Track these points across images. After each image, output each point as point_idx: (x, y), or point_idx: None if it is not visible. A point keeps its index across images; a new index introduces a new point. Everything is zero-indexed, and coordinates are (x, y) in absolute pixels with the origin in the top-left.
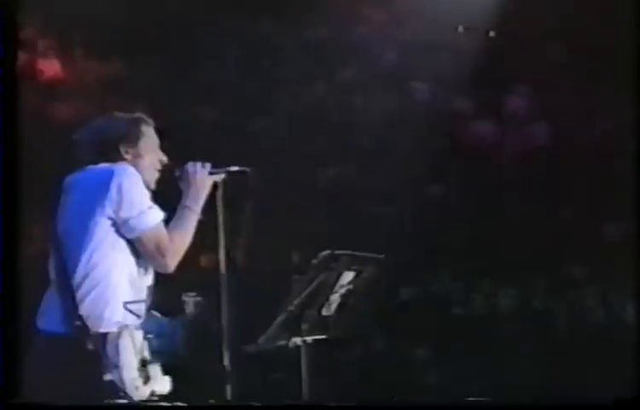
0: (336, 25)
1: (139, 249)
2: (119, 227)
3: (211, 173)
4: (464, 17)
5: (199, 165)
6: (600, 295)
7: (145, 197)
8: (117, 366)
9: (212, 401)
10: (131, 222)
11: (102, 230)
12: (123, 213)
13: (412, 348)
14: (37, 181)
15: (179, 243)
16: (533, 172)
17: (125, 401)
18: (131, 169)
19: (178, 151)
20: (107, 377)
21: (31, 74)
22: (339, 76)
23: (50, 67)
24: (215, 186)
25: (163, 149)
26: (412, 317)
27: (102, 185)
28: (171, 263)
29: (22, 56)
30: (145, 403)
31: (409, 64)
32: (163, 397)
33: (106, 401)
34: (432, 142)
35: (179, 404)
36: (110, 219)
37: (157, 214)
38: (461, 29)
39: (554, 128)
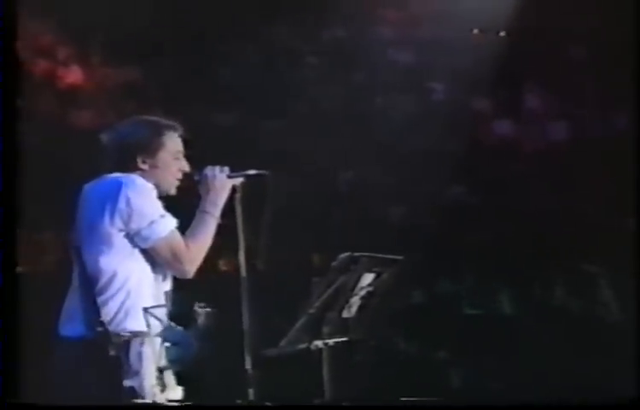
0: (353, 26)
1: (155, 258)
2: (132, 238)
3: (229, 177)
4: (481, 16)
5: (217, 169)
6: (618, 292)
7: (155, 207)
8: (138, 373)
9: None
10: (144, 232)
11: (117, 240)
12: (134, 225)
13: (433, 349)
14: (47, 185)
15: (197, 248)
16: (552, 169)
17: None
18: (140, 180)
19: (197, 155)
20: (127, 383)
21: (50, 81)
22: (356, 77)
23: (70, 74)
24: (234, 190)
25: (186, 155)
26: (433, 318)
27: (111, 197)
28: (190, 269)
29: (41, 63)
30: (157, 404)
31: (427, 64)
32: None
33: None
34: (451, 142)
35: (190, 404)
36: (121, 230)
37: (170, 222)
38: (475, 31)
39: (572, 126)
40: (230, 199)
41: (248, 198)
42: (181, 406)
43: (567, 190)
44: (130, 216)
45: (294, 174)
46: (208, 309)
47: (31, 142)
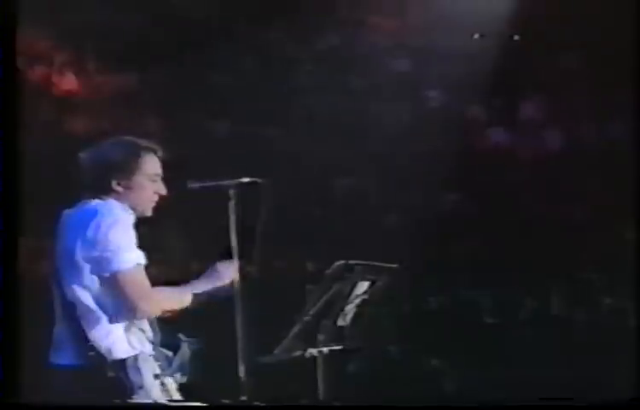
0: (348, 33)
1: (111, 290)
2: (97, 265)
3: (219, 186)
4: (477, 24)
5: (231, 268)
6: (617, 298)
7: (127, 237)
8: (142, 387)
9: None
10: (107, 255)
11: (86, 271)
12: (96, 252)
13: (428, 357)
14: (47, 195)
15: (165, 300)
16: (548, 178)
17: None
18: (117, 210)
19: (192, 162)
20: (135, 398)
21: (46, 88)
22: (352, 85)
23: (65, 81)
24: (228, 197)
25: (168, 171)
26: (428, 326)
27: (83, 225)
28: (148, 310)
29: (38, 69)
30: (157, 404)
31: (422, 72)
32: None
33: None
34: (446, 149)
35: (192, 404)
36: (87, 261)
37: (137, 256)
38: (476, 36)
39: (569, 134)
40: (224, 207)
41: (242, 205)
42: (181, 406)
43: (565, 198)
44: (94, 244)
45: (288, 181)
46: (191, 339)
47: (30, 148)
